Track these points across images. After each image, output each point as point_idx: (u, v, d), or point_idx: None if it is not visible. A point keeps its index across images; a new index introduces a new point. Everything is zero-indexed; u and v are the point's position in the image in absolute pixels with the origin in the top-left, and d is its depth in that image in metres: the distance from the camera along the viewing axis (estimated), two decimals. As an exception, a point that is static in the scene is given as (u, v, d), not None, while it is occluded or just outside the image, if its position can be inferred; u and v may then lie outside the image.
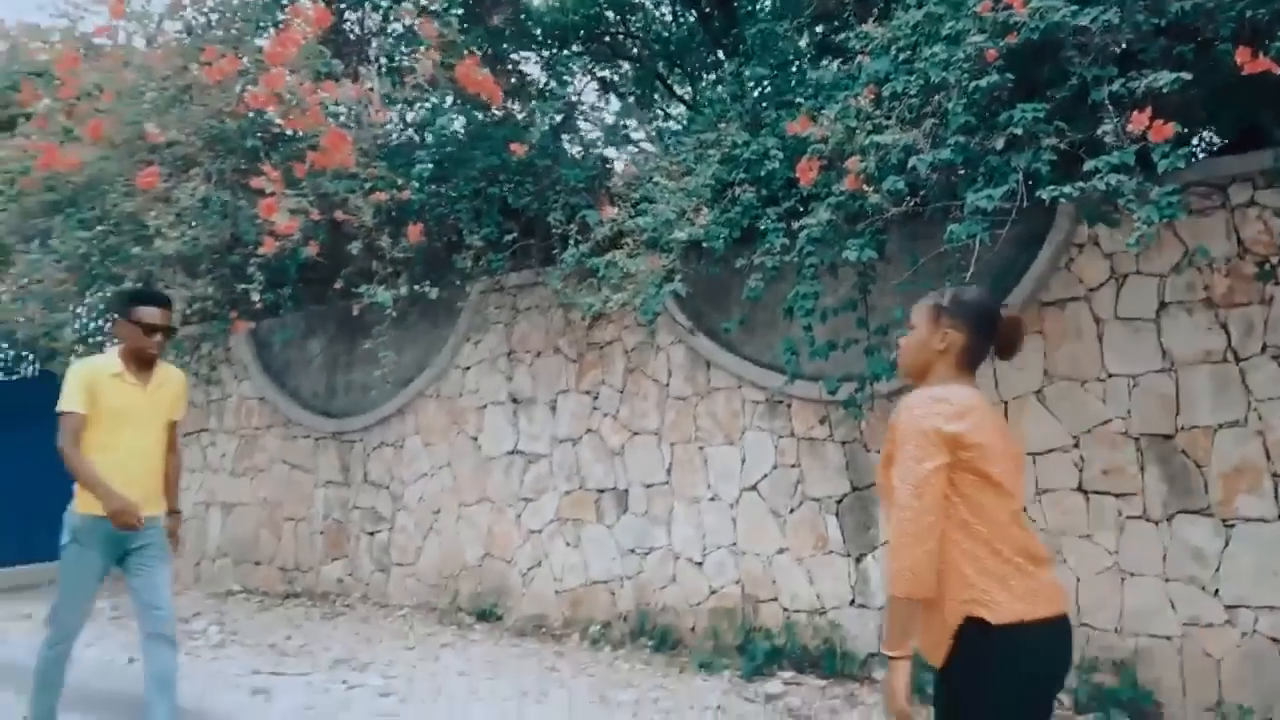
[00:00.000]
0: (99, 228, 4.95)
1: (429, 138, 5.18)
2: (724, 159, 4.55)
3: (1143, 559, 4.26)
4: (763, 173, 4.42)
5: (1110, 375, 4.43)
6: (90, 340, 5.81)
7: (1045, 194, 3.29)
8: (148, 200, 4.68)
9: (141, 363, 3.70)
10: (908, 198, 3.69)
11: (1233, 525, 4.09)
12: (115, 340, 3.72)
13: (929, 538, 2.02)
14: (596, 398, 5.84)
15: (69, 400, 3.58)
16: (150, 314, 3.66)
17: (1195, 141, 4.83)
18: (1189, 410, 4.23)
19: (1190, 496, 4.19)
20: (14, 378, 10.09)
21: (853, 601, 4.93)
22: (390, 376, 6.00)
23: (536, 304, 6.08)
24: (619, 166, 6.01)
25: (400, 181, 4.78)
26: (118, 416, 3.62)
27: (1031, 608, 2.06)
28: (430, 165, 5.00)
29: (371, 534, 6.67)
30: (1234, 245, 4.19)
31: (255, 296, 4.69)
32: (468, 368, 6.36)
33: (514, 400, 6.16)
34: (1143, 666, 4.21)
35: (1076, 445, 4.47)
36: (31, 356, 9.60)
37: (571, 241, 5.04)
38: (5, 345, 9.93)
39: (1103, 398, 4.43)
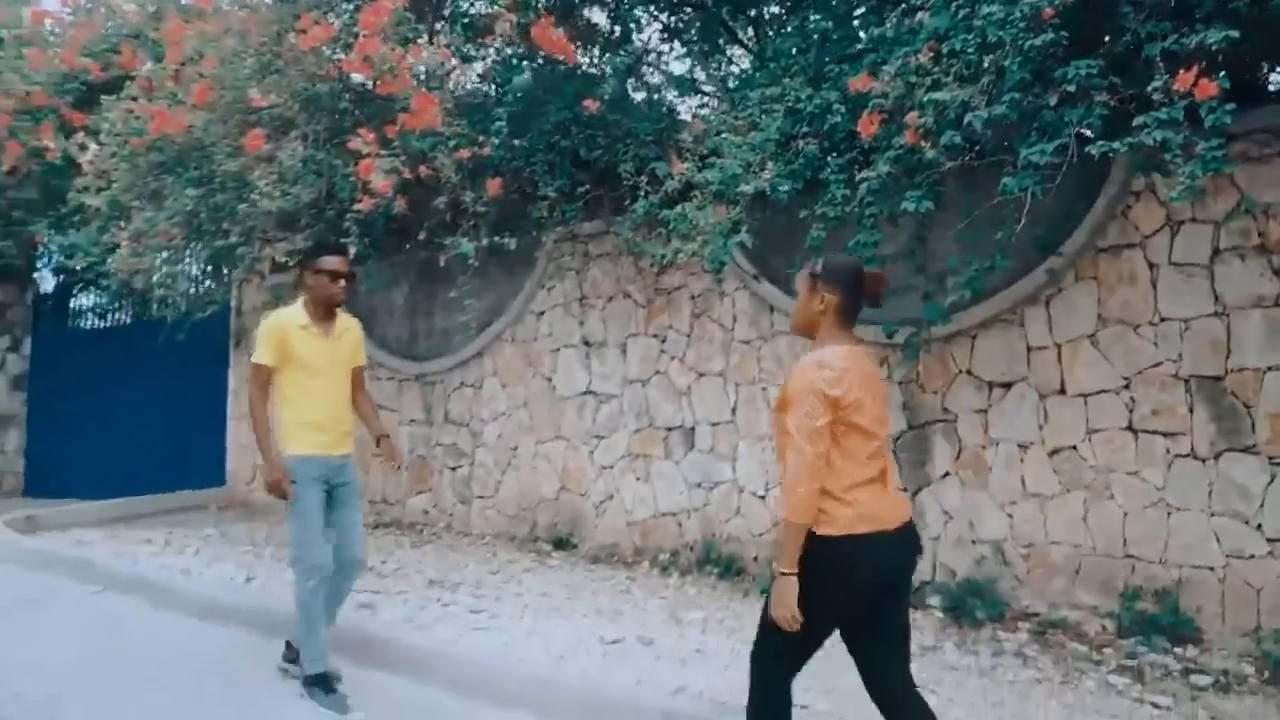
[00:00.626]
0: (205, 186, 5.37)
1: (505, 95, 5.45)
2: (788, 113, 4.75)
3: (1189, 494, 4.47)
4: (825, 126, 4.61)
5: (1162, 319, 4.58)
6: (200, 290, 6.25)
7: (1095, 150, 3.46)
8: (250, 160, 5.07)
9: (325, 312, 3.93)
10: (964, 152, 3.87)
11: (1278, 463, 4.27)
12: (301, 291, 3.96)
13: (817, 477, 2.52)
14: (664, 341, 6.15)
15: (260, 353, 3.85)
16: (333, 262, 3.90)
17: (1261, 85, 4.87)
18: (1239, 353, 4.38)
19: (1237, 436, 4.36)
20: (114, 324, 10.80)
21: (908, 533, 5.22)
22: (472, 322, 6.41)
23: (607, 252, 6.39)
24: (686, 116, 6.22)
25: (480, 138, 5.09)
26: (308, 366, 3.86)
27: (865, 524, 2.54)
28: (506, 121, 5.29)
29: (454, 469, 7.15)
30: (1285, 188, 4.28)
31: (351, 250, 5.08)
32: (542, 313, 6.72)
33: (586, 343, 6.52)
34: (1185, 595, 4.44)
35: (1127, 387, 4.65)
36: (121, 305, 10.24)
37: (641, 193, 5.31)
38: (102, 295, 10.63)
39: (1154, 341, 4.60)
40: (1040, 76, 3.70)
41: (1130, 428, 4.64)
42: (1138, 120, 3.41)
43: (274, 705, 3.76)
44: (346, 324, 4.08)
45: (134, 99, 6.01)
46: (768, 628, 2.64)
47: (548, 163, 5.81)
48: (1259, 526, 4.29)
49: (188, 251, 5.77)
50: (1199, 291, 4.50)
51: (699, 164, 4.78)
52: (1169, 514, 4.52)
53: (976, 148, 3.88)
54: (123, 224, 5.78)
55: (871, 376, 2.70)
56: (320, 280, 3.87)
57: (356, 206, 4.86)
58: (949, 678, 3.98)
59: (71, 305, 11.24)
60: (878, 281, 2.80)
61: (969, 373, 5.09)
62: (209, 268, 5.82)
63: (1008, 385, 4.98)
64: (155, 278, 5.84)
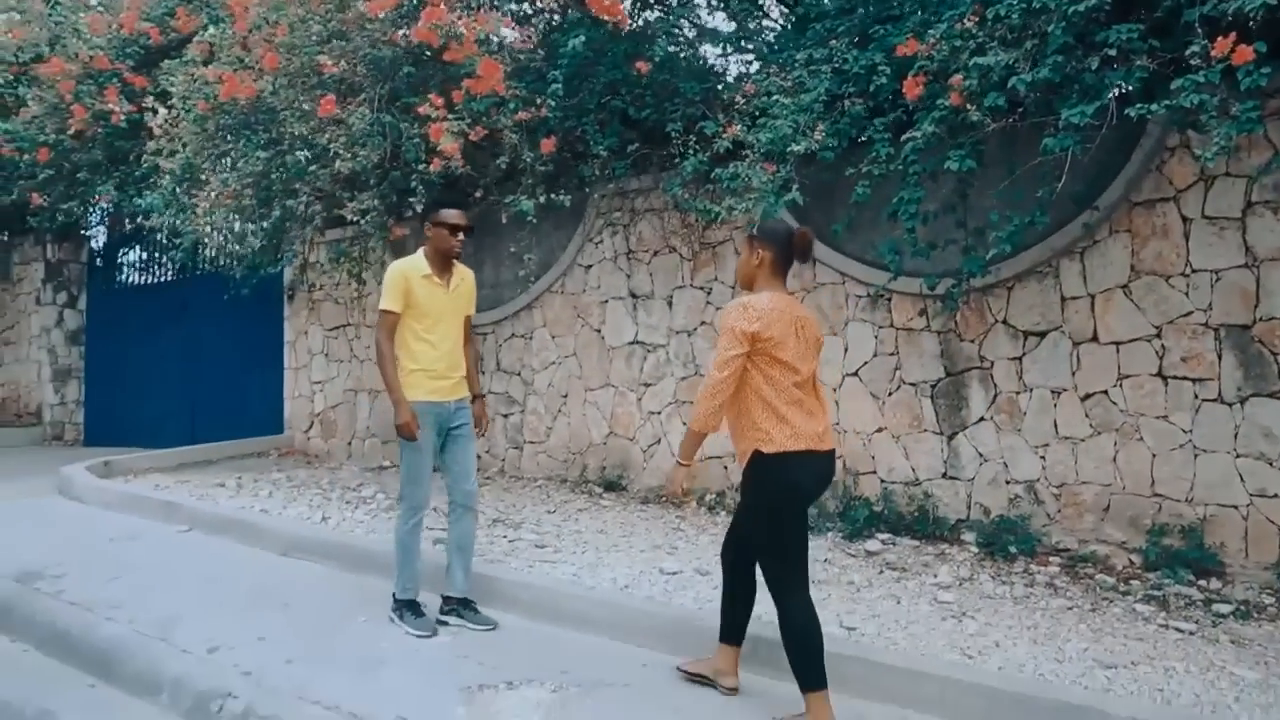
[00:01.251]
0: (274, 149, 5.64)
1: (560, 58, 5.65)
2: (835, 74, 4.95)
3: (1215, 437, 4.72)
4: (871, 87, 4.81)
5: (1194, 270, 4.79)
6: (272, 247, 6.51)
7: (1134, 112, 3.67)
8: (319, 124, 5.33)
9: (444, 263, 4.08)
10: (1007, 114, 4.08)
11: (1302, 407, 4.50)
12: (425, 241, 4.08)
13: (722, 397, 3.07)
14: (710, 293, 6.42)
15: (387, 300, 3.98)
16: (453, 216, 4.04)
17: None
18: (1268, 302, 4.59)
19: (1264, 381, 4.59)
20: (167, 280, 11.15)
21: (944, 474, 5.52)
22: (531, 275, 6.71)
23: (653, 207, 6.63)
24: (730, 76, 6.39)
25: (538, 100, 5.32)
26: (430, 314, 4.02)
27: (794, 444, 3.06)
28: (561, 83, 5.50)
29: (505, 416, 7.49)
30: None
31: (418, 208, 5.36)
32: (590, 266, 6.99)
33: (633, 295, 6.79)
34: (1209, 532, 4.72)
35: (1158, 335, 4.88)
36: (167, 261, 10.59)
37: (690, 151, 5.54)
38: (153, 251, 10.98)
39: (1185, 291, 4.81)
40: (1082, 40, 3.89)
41: (1160, 374, 4.88)
42: (1176, 83, 3.61)
43: (368, 629, 4.13)
44: (463, 274, 4.22)
45: (197, 64, 6.27)
46: (730, 536, 3.43)
47: (598, 122, 6.03)
48: (1281, 467, 4.55)
49: (260, 210, 6.01)
50: (1230, 244, 4.70)
51: (748, 124, 4.98)
52: (1195, 455, 4.78)
53: (1020, 110, 4.07)
54: (191, 185, 6.06)
55: (800, 321, 3.18)
56: (441, 233, 4.02)
57: (428, 168, 5.12)
58: (985, 605, 4.29)
59: (121, 262, 11.63)
60: (804, 239, 3.27)
61: (1005, 322, 5.33)
62: (277, 226, 6.06)
63: (1042, 334, 5.22)
64: (227, 236, 6.12)
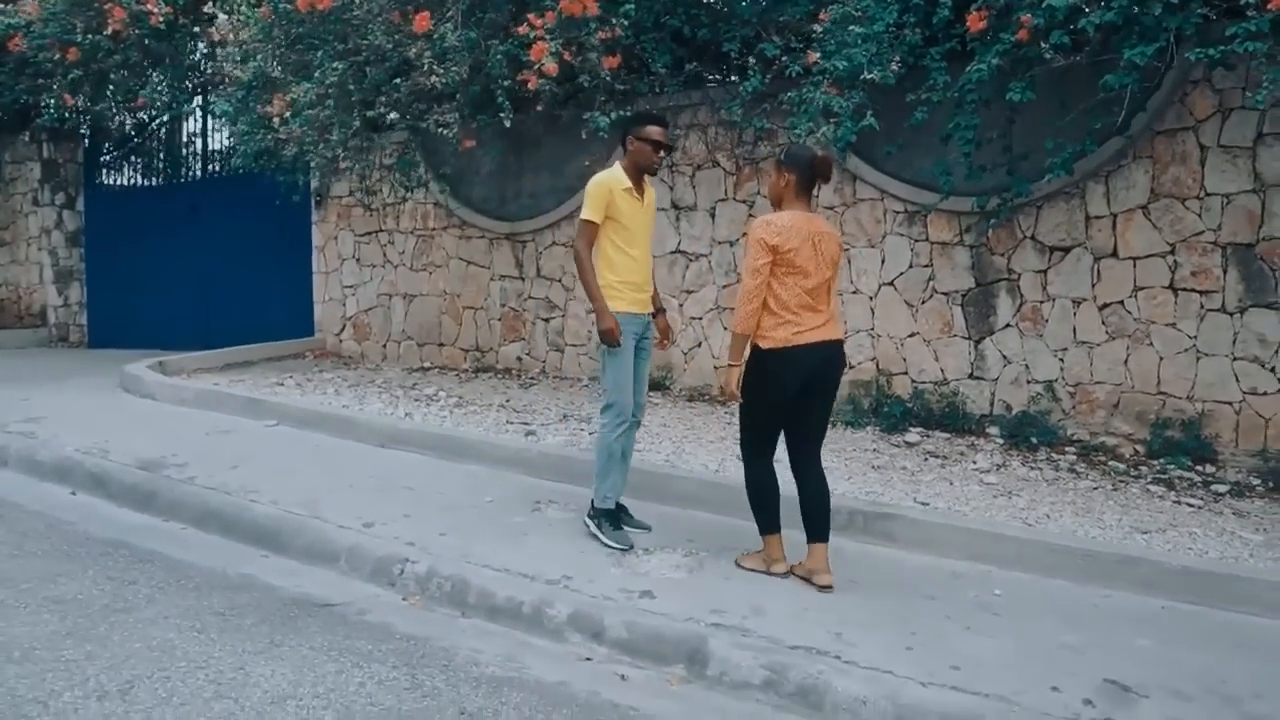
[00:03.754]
0: (350, 60, 5.81)
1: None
2: (899, 2, 5.32)
3: (1216, 342, 5.39)
4: (934, 19, 5.21)
5: (1207, 194, 5.38)
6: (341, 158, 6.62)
7: (1192, 55, 4.17)
8: (405, 38, 5.53)
9: (640, 178, 4.14)
10: (1072, 51, 4.54)
11: (1294, 316, 5.18)
12: (624, 156, 4.14)
13: (756, 300, 3.56)
14: (752, 206, 6.86)
15: (591, 210, 4.02)
16: (658, 132, 4.10)
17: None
18: (1270, 224, 5.21)
19: (1262, 294, 5.25)
20: (171, 182, 11.12)
21: (971, 375, 6.15)
22: (570, 185, 7.04)
23: (698, 123, 6.98)
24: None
25: (613, 20, 5.59)
26: (628, 227, 4.08)
27: (794, 339, 3.57)
28: (633, 4, 5.75)
29: (546, 320, 7.92)
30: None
31: (506, 124, 5.63)
32: (631, 179, 7.34)
33: (675, 206, 7.20)
34: (1206, 425, 5.44)
35: (1172, 251, 5.50)
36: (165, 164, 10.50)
37: (751, 72, 5.90)
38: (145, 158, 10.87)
39: (1199, 213, 5.41)
40: (1146, -13, 4.34)
41: (1171, 286, 5.51)
42: (1230, 29, 4.11)
43: (498, 508, 4.63)
44: (650, 191, 4.27)
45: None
46: (742, 428, 3.83)
47: (655, 40, 6.33)
48: (1273, 369, 5.25)
49: (342, 119, 6.11)
50: (1241, 170, 5.29)
51: (815, 49, 5.35)
52: (1198, 359, 5.46)
53: (1086, 48, 4.54)
54: (263, 93, 6.21)
55: (819, 236, 3.62)
56: (645, 148, 4.07)
57: (521, 84, 5.40)
58: (1024, 486, 4.96)
59: (123, 163, 11.55)
60: (825, 164, 3.70)
61: (1033, 238, 5.90)
62: (358, 134, 6.24)
63: (1067, 249, 5.80)
64: (304, 143, 6.29)
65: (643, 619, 3.34)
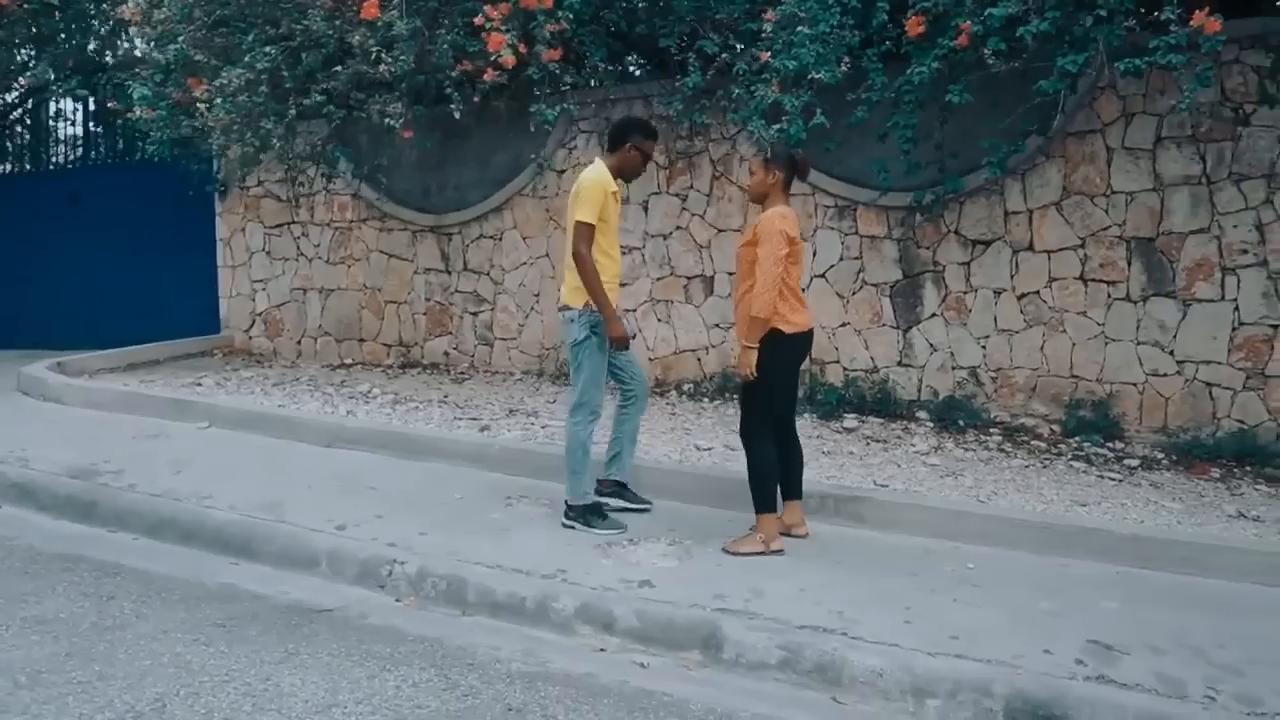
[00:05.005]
0: (286, 44, 5.57)
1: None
2: (837, 4, 5.52)
3: (1122, 329, 5.85)
4: (874, 23, 5.43)
5: (1113, 192, 5.84)
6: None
7: (1120, 65, 4.52)
8: (346, 23, 5.34)
9: (617, 178, 4.26)
10: (1009, 58, 4.84)
11: (1190, 305, 5.68)
12: (614, 158, 4.26)
13: (777, 287, 3.83)
14: (685, 200, 6.98)
15: (588, 212, 4.07)
16: (652, 146, 4.31)
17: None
18: (1169, 220, 5.70)
19: (1162, 284, 5.73)
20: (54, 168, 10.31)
21: (900, 362, 6.47)
22: (496, 177, 6.97)
23: (627, 115, 7.04)
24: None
25: (559, 13, 5.58)
26: (614, 228, 4.24)
27: (800, 325, 3.96)
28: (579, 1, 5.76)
29: (474, 314, 7.83)
30: (1218, 94, 5.52)
31: (456, 115, 5.54)
32: (563, 171, 7.34)
33: (607, 201, 7.24)
34: (1114, 404, 5.90)
35: (1082, 245, 5.93)
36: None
37: (691, 68, 6.01)
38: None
39: (1105, 209, 5.86)
40: (1080, 1, 4.68)
41: (1082, 277, 5.95)
42: (1153, 42, 4.48)
43: (470, 505, 4.60)
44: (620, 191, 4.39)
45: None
46: (745, 413, 4.10)
47: (592, 34, 6.35)
48: (1171, 352, 5.74)
49: (275, 108, 5.84)
50: (1143, 171, 5.76)
51: (769, 49, 5.48)
52: (1106, 344, 5.92)
53: (1023, 55, 4.84)
54: (183, 77, 5.87)
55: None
56: (637, 157, 4.25)
57: (484, 78, 5.33)
58: (964, 466, 5.27)
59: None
60: (805, 164, 4.13)
61: (956, 232, 6.25)
62: (291, 126, 5.97)
63: (987, 243, 6.17)
64: (231, 134, 5.98)
65: (651, 608, 3.41)
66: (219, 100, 5.51)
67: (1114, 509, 4.55)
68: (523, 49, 5.27)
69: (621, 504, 4.55)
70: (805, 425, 6.13)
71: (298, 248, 8.51)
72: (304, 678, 2.82)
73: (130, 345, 8.30)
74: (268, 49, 5.61)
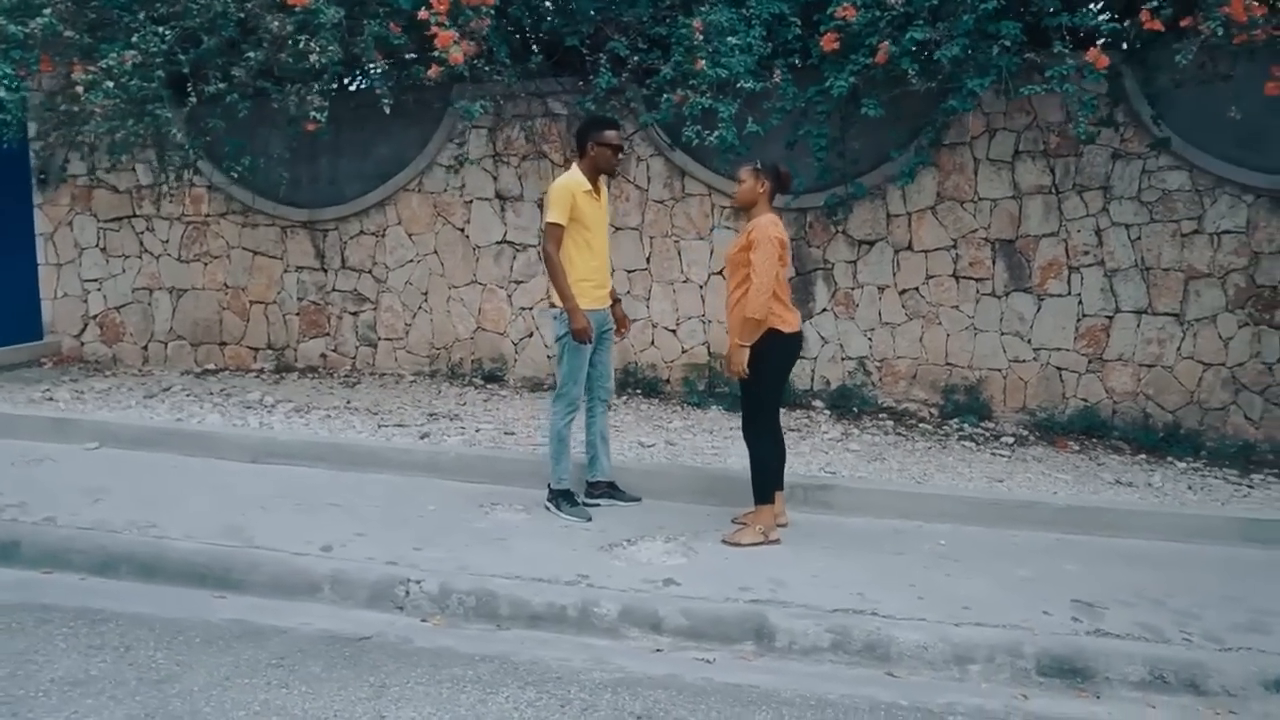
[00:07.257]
0: (180, 25, 5.01)
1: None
2: (751, 17, 5.81)
3: (989, 321, 6.59)
4: (789, 37, 5.77)
5: (980, 198, 6.54)
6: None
7: (1025, 90, 5.12)
8: (259, 6, 4.91)
9: (597, 178, 4.45)
10: (923, 77, 5.33)
11: (1043, 299, 6.49)
12: (588, 158, 4.40)
13: (771, 289, 4.05)
14: (584, 199, 7.03)
15: (556, 214, 4.28)
16: (614, 136, 4.41)
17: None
18: (1025, 224, 6.47)
19: (1021, 280, 6.51)
20: None
21: (794, 355, 6.90)
22: (379, 171, 6.69)
23: (522, 112, 6.99)
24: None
25: (484, 9, 5.45)
26: (589, 226, 4.36)
27: (792, 325, 4.24)
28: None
29: (355, 314, 7.46)
30: (1064, 114, 6.32)
31: (386, 110, 5.26)
32: (451, 167, 7.15)
33: (500, 197, 7.16)
34: (983, 389, 6.63)
35: (955, 246, 6.61)
36: None
37: (602, 69, 6.09)
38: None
39: (974, 214, 6.56)
40: (981, 30, 5.23)
41: (955, 275, 6.63)
42: (1049, 71, 5.11)
43: (450, 515, 4.47)
44: (604, 189, 4.60)
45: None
46: (749, 411, 4.37)
47: (496, 30, 6.24)
48: (1029, 341, 6.54)
49: (166, 94, 5.24)
50: (1004, 180, 6.50)
51: (702, 56, 5.65)
52: (975, 334, 6.63)
53: (939, 76, 5.34)
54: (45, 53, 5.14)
55: None
56: (605, 152, 4.39)
57: (429, 74, 5.10)
58: (882, 450, 5.76)
59: None
60: (788, 178, 4.35)
61: (844, 233, 6.75)
62: (191, 113, 5.35)
63: (872, 243, 6.72)
64: (113, 121, 5.27)
65: (694, 605, 3.55)
66: (108, 84, 4.90)
67: (1024, 482, 5.17)
68: (465, 46, 5.12)
69: (613, 503, 4.68)
70: (716, 418, 6.43)
71: (141, 243, 7.71)
72: (415, 711, 2.73)
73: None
74: (160, 29, 5.07)
